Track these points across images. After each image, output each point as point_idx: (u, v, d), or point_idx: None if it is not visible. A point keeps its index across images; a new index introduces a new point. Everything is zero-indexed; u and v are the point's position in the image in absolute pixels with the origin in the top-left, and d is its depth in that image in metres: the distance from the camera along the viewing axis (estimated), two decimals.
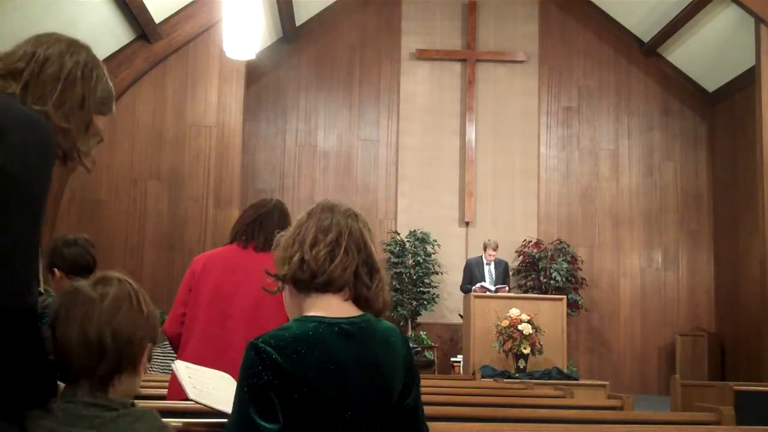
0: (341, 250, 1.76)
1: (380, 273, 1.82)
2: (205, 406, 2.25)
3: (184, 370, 2.38)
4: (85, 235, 3.72)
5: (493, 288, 9.03)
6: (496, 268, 9.35)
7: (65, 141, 1.77)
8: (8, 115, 1.64)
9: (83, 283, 1.67)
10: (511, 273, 10.58)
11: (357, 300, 1.78)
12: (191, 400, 2.25)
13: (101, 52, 9.81)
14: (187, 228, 10.10)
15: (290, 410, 1.61)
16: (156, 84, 10.34)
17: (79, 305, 1.63)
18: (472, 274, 9.32)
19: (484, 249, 9.49)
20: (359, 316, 1.77)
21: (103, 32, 9.49)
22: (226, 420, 2.21)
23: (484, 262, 9.41)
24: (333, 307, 1.75)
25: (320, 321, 1.71)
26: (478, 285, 9.08)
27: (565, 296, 9.30)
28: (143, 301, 1.69)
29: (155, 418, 1.69)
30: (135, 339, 1.64)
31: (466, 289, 9.19)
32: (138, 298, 1.68)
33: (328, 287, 1.75)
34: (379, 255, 1.99)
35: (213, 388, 2.36)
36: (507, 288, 9.11)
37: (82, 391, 1.63)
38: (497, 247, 9.53)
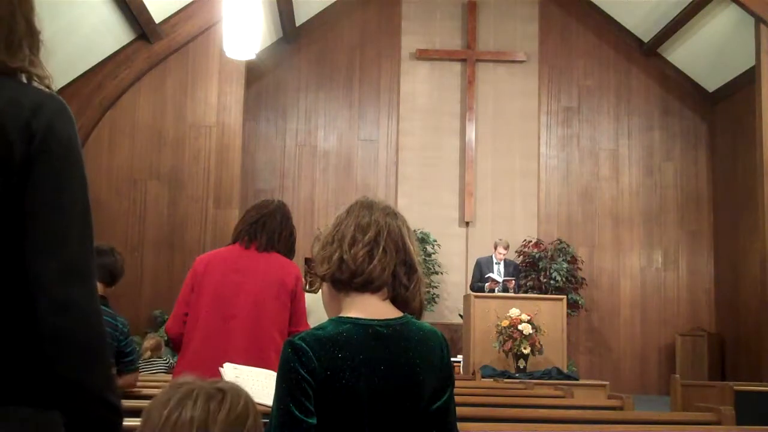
0: (380, 250, 1.75)
1: (418, 273, 1.81)
2: None
3: (232, 371, 2.44)
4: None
5: (500, 279, 9.02)
6: (506, 267, 9.32)
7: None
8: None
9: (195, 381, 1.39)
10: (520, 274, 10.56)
11: (395, 300, 1.78)
12: None
13: (101, 52, 9.82)
14: (187, 228, 10.10)
15: (321, 407, 1.64)
16: (156, 84, 10.34)
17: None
18: (482, 272, 9.28)
19: (495, 248, 9.44)
20: (396, 318, 1.76)
21: (103, 32, 9.48)
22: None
23: (494, 261, 9.39)
24: (371, 307, 1.75)
25: (354, 323, 1.71)
26: (487, 275, 9.08)
27: (565, 296, 9.30)
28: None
29: None
30: None
31: (477, 287, 9.13)
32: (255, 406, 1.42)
33: (366, 287, 1.75)
34: None
35: (259, 386, 2.40)
36: (514, 281, 9.07)
37: None
38: (508, 246, 9.49)
